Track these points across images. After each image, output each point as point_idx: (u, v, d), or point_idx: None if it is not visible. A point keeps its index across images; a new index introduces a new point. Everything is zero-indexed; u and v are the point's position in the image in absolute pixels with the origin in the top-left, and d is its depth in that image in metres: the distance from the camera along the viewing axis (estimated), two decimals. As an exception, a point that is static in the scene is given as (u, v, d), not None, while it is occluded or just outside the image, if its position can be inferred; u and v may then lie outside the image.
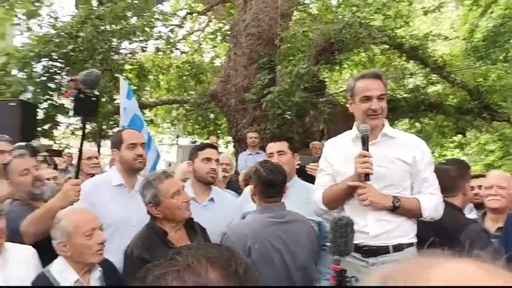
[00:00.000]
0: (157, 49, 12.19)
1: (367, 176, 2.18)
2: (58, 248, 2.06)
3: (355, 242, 1.91)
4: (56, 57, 9.23)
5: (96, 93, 2.50)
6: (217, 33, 13.70)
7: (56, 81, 9.53)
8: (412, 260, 0.50)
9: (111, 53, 10.12)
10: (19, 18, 10.64)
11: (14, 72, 9.18)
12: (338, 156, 2.40)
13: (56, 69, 9.49)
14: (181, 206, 2.25)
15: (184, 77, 13.41)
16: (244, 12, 9.27)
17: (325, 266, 2.73)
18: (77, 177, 2.42)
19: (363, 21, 7.74)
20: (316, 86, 8.20)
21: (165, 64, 13.33)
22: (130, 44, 11.00)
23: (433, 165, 2.40)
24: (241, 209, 2.94)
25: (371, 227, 2.22)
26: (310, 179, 3.02)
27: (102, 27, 9.43)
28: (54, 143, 9.78)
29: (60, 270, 2.04)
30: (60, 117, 10.03)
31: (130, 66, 11.16)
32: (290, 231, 2.32)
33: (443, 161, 4.39)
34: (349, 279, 1.82)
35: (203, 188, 2.87)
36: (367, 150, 2.20)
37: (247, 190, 2.84)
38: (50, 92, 9.44)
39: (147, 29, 10.83)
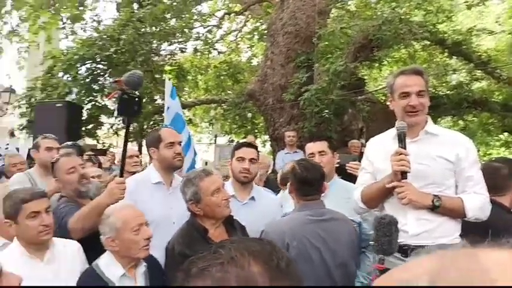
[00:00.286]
0: (196, 50, 12.38)
1: (404, 174, 2.13)
2: (106, 243, 2.12)
3: (395, 241, 1.87)
4: (99, 60, 9.50)
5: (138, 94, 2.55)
6: (255, 33, 13.73)
7: (99, 82, 9.82)
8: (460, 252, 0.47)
9: (152, 55, 10.36)
10: (64, 23, 11.11)
11: (60, 74, 9.52)
12: (379, 154, 2.37)
13: (99, 71, 9.78)
14: (221, 203, 2.28)
15: (222, 77, 13.53)
16: (281, 11, 9.24)
17: (362, 269, 2.69)
18: (121, 175, 2.46)
19: (402, 17, 7.56)
20: (354, 83, 8.08)
21: (203, 64, 13.51)
22: (169, 45, 11.25)
23: (479, 164, 2.31)
24: (281, 208, 2.93)
25: (410, 225, 2.17)
26: (350, 177, 3.00)
27: (142, 30, 9.67)
28: (98, 142, 10.09)
29: (108, 264, 2.11)
30: (102, 118, 10.35)
31: (169, 67, 11.37)
32: (330, 229, 2.30)
33: (492, 159, 4.21)
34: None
35: (243, 187, 2.86)
36: (404, 148, 2.15)
37: (286, 192, 2.82)
38: (94, 93, 9.73)
39: (186, 30, 11.03)
